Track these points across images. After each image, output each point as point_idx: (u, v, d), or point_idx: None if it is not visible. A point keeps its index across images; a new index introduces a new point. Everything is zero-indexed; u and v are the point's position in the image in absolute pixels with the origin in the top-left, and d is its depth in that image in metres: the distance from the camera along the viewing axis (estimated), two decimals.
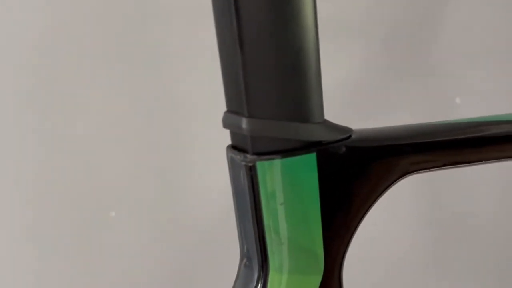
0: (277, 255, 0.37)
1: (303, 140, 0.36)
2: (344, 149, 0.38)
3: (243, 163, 0.35)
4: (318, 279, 0.39)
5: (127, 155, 0.81)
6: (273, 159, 0.35)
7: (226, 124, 0.36)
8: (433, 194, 0.90)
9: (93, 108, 0.79)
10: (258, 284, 0.38)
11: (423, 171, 0.44)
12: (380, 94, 0.82)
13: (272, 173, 0.35)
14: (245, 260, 0.39)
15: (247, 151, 0.35)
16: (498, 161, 0.48)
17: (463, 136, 0.43)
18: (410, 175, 0.43)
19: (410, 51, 0.83)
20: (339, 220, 0.39)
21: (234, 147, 0.36)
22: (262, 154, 0.35)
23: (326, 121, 0.38)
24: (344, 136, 0.39)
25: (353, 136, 0.39)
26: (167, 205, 0.83)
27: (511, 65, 0.85)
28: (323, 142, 0.37)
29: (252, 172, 0.35)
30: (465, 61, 0.84)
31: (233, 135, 0.36)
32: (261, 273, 0.38)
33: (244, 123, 0.34)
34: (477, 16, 0.84)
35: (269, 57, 0.33)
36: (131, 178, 0.82)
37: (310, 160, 0.36)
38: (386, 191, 0.43)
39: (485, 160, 0.46)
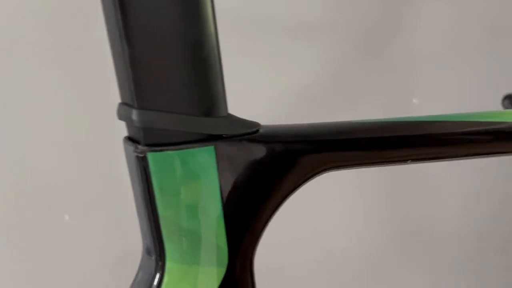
0: (174, 245, 0.37)
1: (199, 133, 0.36)
2: (247, 143, 0.38)
3: (135, 153, 0.35)
4: (222, 271, 0.39)
5: (78, 157, 0.81)
6: (164, 150, 0.35)
7: (120, 116, 0.36)
8: (396, 194, 0.90)
9: (43, 109, 0.79)
10: (156, 274, 0.38)
11: (340, 168, 0.44)
12: (340, 95, 0.82)
13: (164, 165, 0.35)
14: (145, 250, 0.39)
15: (139, 142, 0.35)
16: (423, 162, 0.48)
17: (380, 135, 0.43)
18: (326, 172, 0.43)
19: (370, 52, 0.83)
20: (243, 215, 0.39)
21: (130, 138, 0.36)
22: (155, 145, 0.35)
23: (229, 115, 0.38)
24: (249, 130, 0.39)
25: (260, 131, 0.40)
26: (120, 207, 0.82)
27: (468, 66, 0.85)
28: (224, 136, 0.37)
29: (143, 163, 0.35)
30: (424, 62, 0.83)
31: (128, 127, 0.37)
32: (159, 263, 0.38)
33: (134, 114, 0.34)
34: (437, 17, 0.84)
35: (158, 50, 0.33)
36: (83, 181, 0.81)
37: (207, 153, 0.36)
38: (298, 188, 0.43)
39: (408, 160, 0.46)
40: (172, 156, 0.35)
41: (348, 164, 0.43)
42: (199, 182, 0.37)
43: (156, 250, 0.38)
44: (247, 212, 0.40)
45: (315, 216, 0.87)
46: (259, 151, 0.39)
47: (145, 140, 0.35)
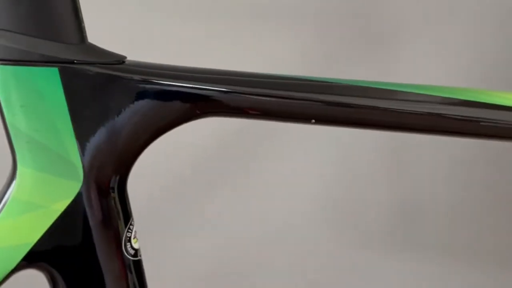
0: (23, 151, 0.42)
1: (44, 55, 0.40)
2: (103, 71, 0.41)
3: None
4: (77, 185, 0.43)
5: None
6: (3, 64, 0.40)
7: None
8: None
9: None
10: (14, 176, 0.43)
11: (215, 115, 0.44)
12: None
13: (4, 77, 0.40)
14: None
15: None
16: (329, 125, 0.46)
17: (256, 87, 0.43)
18: (203, 117, 0.44)
19: (345, 37, 0.81)
20: (99, 140, 0.42)
21: None
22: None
23: (88, 44, 0.42)
24: (109, 60, 0.42)
25: (125, 63, 0.42)
26: None
27: (442, 52, 0.81)
28: (76, 61, 0.41)
29: None
30: (397, 48, 0.80)
31: None
32: (15, 167, 0.43)
33: None
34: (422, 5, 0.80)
35: None
36: None
37: (50, 74, 0.40)
38: (169, 127, 0.44)
39: (311, 120, 0.44)
40: (9, 70, 0.40)
41: (220, 111, 0.44)
42: (44, 99, 0.41)
43: (13, 155, 0.43)
44: (103, 137, 0.43)
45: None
46: (116, 80, 0.42)
47: None
